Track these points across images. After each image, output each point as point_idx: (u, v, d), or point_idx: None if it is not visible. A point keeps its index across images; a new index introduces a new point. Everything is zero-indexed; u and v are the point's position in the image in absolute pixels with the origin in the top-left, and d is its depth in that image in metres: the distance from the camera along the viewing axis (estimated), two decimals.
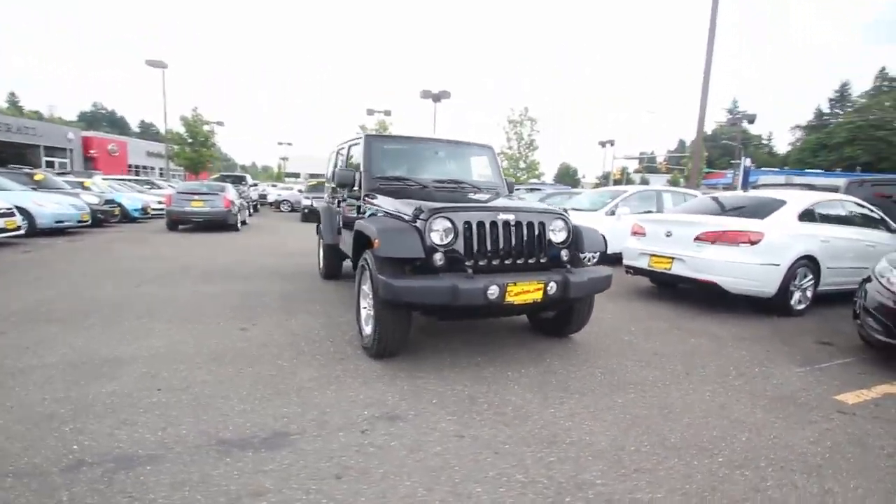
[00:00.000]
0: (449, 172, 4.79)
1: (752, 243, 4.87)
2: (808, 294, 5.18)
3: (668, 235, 5.48)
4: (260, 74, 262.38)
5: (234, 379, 2.95)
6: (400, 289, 2.86)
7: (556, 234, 3.47)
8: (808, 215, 5.27)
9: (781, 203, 5.33)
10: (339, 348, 3.58)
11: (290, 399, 2.70)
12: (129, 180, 19.37)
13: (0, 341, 3.49)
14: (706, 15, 12.64)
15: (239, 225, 13.06)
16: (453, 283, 2.85)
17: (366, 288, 3.46)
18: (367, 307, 3.48)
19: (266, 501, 1.83)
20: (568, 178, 70.53)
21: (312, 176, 38.81)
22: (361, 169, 4.40)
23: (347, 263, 6.05)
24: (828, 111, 58.83)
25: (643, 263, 5.71)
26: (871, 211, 5.90)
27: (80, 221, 10.26)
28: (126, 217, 13.67)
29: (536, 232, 3.36)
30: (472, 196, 4.12)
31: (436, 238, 3.08)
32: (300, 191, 22.74)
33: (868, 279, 3.92)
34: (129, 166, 37.47)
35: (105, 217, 12.14)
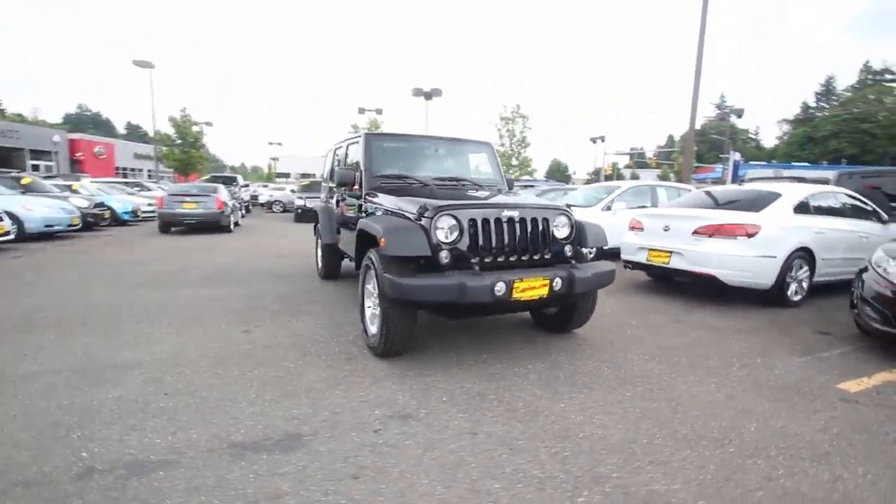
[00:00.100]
0: (448, 170, 4.78)
1: (749, 236, 4.92)
2: (805, 285, 5.25)
3: (665, 230, 5.52)
4: (248, 74, 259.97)
5: (241, 381, 2.92)
6: (407, 287, 2.85)
7: (560, 230, 3.48)
8: (802, 207, 5.34)
9: (777, 196, 5.39)
10: (345, 348, 3.57)
11: (300, 400, 2.68)
12: (119, 183, 19.10)
13: None
14: (695, 12, 12.75)
15: (232, 226, 12.94)
16: (461, 280, 2.85)
17: (370, 287, 3.45)
18: (371, 306, 3.47)
19: None
20: (559, 174, 70.86)
21: (304, 176, 38.60)
22: (362, 167, 4.38)
23: (346, 263, 6.03)
24: (814, 105, 59.65)
25: (641, 258, 5.75)
26: (863, 202, 6.00)
27: (70, 225, 10.10)
28: (116, 220, 13.47)
29: (540, 228, 3.36)
30: (473, 193, 4.12)
31: (441, 236, 3.07)
32: (293, 191, 22.55)
33: (864, 269, 3.98)
34: (117, 169, 36.96)
35: (95, 220, 11.97)
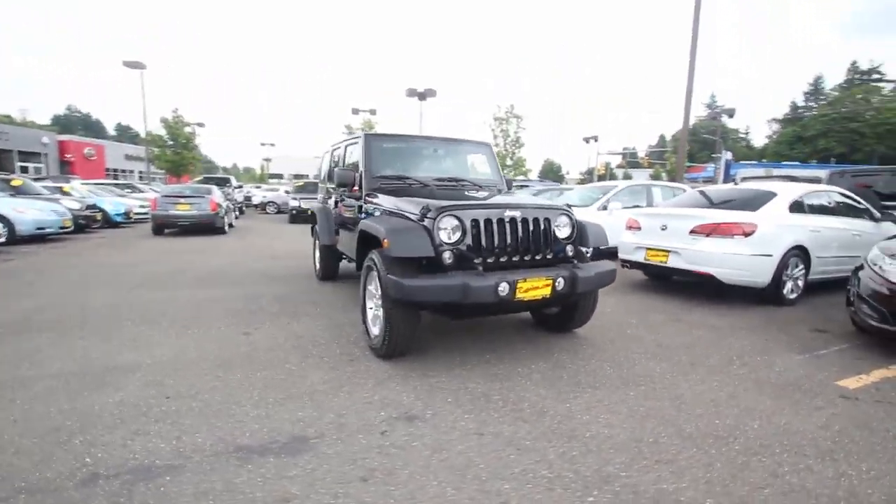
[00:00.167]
0: (448, 170, 4.78)
1: (746, 235, 4.97)
2: (800, 283, 5.31)
3: (663, 229, 5.56)
4: (240, 75, 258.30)
5: (244, 384, 2.90)
6: (411, 288, 2.84)
7: (561, 230, 3.49)
8: (797, 206, 5.40)
9: (772, 195, 5.45)
10: (346, 350, 3.55)
11: (304, 403, 2.67)
12: (110, 184, 18.88)
13: None
14: (686, 13, 12.84)
15: (226, 228, 12.85)
16: (464, 281, 2.85)
17: (372, 288, 3.43)
18: (373, 307, 3.46)
19: None
20: (552, 174, 71.10)
21: (297, 176, 38.36)
22: (362, 168, 4.37)
23: (344, 264, 6.01)
24: (803, 104, 60.35)
25: (639, 257, 5.78)
26: (856, 201, 6.08)
27: (61, 228, 9.98)
28: (108, 222, 13.32)
29: (542, 228, 3.37)
30: (473, 193, 4.12)
31: (444, 236, 3.07)
32: (287, 192, 22.42)
33: (861, 267, 4.03)
34: (107, 170, 36.53)
35: (87, 223, 11.82)
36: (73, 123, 72.03)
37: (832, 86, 57.19)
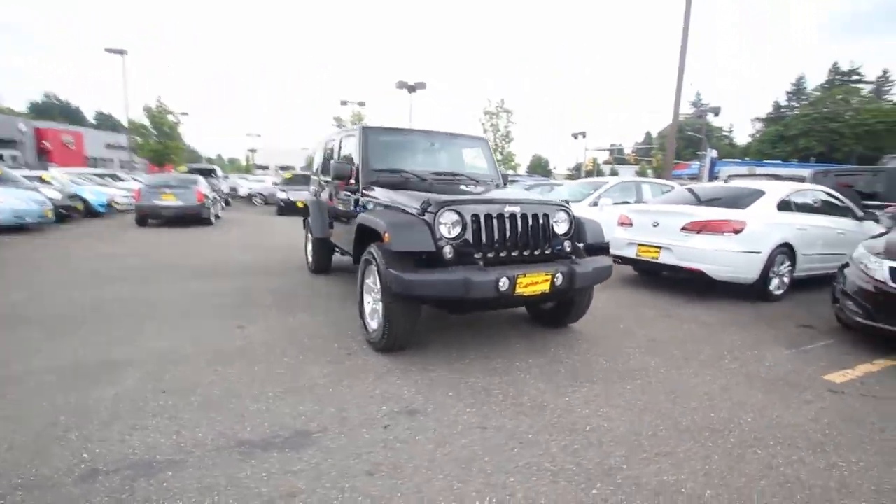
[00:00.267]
0: (444, 164, 4.77)
1: (736, 232, 5.06)
2: (786, 280, 5.44)
3: (654, 225, 5.63)
4: (224, 65, 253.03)
5: (242, 378, 2.87)
6: (413, 283, 2.84)
7: (560, 226, 3.51)
8: (785, 205, 5.52)
9: (761, 193, 5.55)
10: (344, 343, 3.54)
11: (305, 397, 2.65)
12: (91, 173, 18.36)
13: None
14: (674, 13, 12.94)
15: (213, 219, 12.63)
16: (465, 275, 2.86)
17: (370, 282, 3.42)
18: (371, 301, 3.45)
19: (301, 502, 1.80)
20: (540, 169, 71.31)
21: (283, 168, 37.87)
22: (358, 161, 4.32)
23: (337, 257, 5.97)
24: (785, 104, 61.43)
25: (631, 253, 5.85)
26: (840, 200, 6.23)
27: (41, 217, 9.69)
28: (90, 212, 12.98)
29: (541, 223, 3.39)
30: (471, 188, 4.12)
31: (444, 231, 3.07)
32: (275, 183, 22.11)
33: (846, 265, 4.14)
34: (87, 158, 35.59)
35: (68, 212, 11.51)
36: (52, 111, 69.77)
37: (814, 86, 58.36)
